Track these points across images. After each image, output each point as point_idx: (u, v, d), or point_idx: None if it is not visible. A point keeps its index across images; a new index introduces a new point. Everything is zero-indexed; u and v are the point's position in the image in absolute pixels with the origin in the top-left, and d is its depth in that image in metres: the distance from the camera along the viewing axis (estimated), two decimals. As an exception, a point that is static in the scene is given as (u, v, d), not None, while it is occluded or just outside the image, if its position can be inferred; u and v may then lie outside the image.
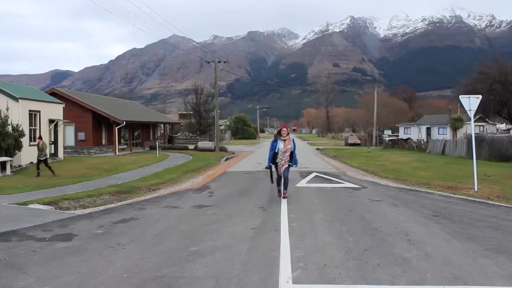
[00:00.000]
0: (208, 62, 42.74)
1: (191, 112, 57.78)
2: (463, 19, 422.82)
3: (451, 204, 10.33)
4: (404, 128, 58.92)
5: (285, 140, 10.45)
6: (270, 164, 10.83)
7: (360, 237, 6.77)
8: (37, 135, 21.41)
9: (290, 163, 10.64)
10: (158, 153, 30.30)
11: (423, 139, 45.68)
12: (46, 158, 17.40)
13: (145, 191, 13.85)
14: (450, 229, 7.39)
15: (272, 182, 11.12)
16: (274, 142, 10.64)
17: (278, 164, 10.51)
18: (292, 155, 10.62)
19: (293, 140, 10.65)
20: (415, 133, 53.29)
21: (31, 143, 20.69)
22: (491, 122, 47.55)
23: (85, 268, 5.21)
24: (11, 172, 17.45)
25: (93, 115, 30.01)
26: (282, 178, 10.58)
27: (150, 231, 7.38)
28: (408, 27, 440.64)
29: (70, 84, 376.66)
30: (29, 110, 20.75)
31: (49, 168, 17.10)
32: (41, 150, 17.13)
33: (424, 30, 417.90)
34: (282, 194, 10.60)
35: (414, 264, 5.29)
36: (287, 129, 10.79)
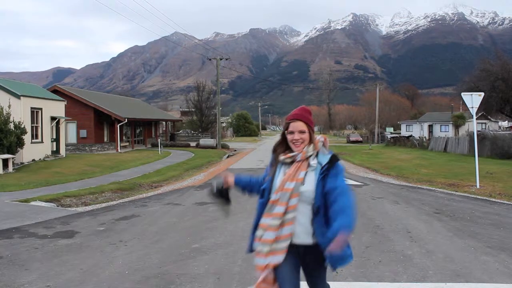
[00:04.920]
0: (210, 59, 42.68)
1: (193, 110, 57.77)
2: (465, 16, 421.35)
3: (453, 202, 10.31)
4: (406, 125, 58.78)
5: (292, 163, 2.75)
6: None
7: (361, 234, 6.76)
8: (39, 133, 21.49)
9: (333, 262, 2.64)
10: (160, 151, 30.32)
11: (425, 137, 45.58)
12: None
13: (147, 188, 13.86)
14: (452, 227, 7.38)
15: None
16: (270, 168, 2.88)
17: (257, 249, 2.75)
18: (327, 217, 2.62)
19: (329, 163, 2.68)
20: (417, 130, 53.16)
21: (33, 140, 20.73)
22: (494, 120, 47.38)
23: (86, 265, 5.23)
24: (13, 169, 17.48)
25: (95, 112, 30.03)
26: None
27: (152, 228, 7.39)
28: (410, 24, 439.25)
29: (72, 81, 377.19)
30: (31, 108, 20.77)
31: None
32: None
33: (427, 27, 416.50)
34: None
35: (416, 261, 5.29)
36: (307, 125, 2.77)
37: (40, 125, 21.54)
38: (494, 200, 10.75)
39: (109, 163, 21.46)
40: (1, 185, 13.00)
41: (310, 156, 2.70)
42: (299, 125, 2.74)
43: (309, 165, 2.69)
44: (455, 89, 52.01)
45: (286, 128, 2.79)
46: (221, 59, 39.89)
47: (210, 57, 43.58)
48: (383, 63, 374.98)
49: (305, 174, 2.65)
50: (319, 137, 2.78)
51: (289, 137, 2.76)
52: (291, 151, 2.76)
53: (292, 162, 2.72)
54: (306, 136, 2.72)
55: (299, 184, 2.63)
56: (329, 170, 2.64)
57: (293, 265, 2.69)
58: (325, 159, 2.69)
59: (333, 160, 2.68)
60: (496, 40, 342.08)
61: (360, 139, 57.07)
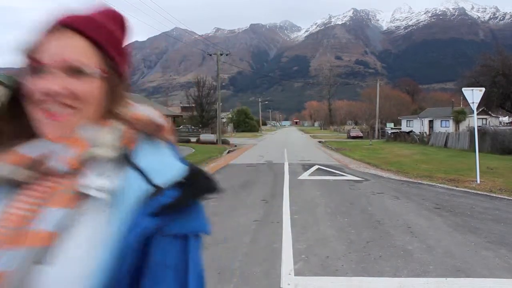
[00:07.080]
0: (210, 55, 42.59)
1: (193, 105, 57.78)
2: (466, 11, 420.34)
3: (453, 197, 10.32)
4: (407, 120, 58.77)
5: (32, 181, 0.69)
6: None
7: (362, 229, 6.77)
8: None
9: None
10: (160, 146, 30.32)
11: (425, 132, 45.56)
12: None
13: (148, 184, 13.87)
14: (452, 222, 7.39)
15: None
16: None
17: None
18: None
19: (180, 192, 0.70)
20: (418, 126, 53.13)
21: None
22: (494, 115, 47.29)
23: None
24: (14, 165, 17.50)
25: (95, 108, 30.04)
26: None
27: (153, 224, 7.39)
28: (411, 20, 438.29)
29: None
30: (31, 103, 20.78)
31: None
32: None
33: (427, 22, 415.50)
34: None
35: (416, 256, 5.30)
36: (102, 52, 0.72)
37: (40, 120, 21.54)
38: (494, 195, 10.76)
39: (110, 158, 21.42)
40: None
41: (95, 162, 0.70)
42: (70, 46, 0.71)
43: (82, 195, 0.66)
44: (456, 85, 51.93)
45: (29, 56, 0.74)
46: (221, 55, 39.79)
47: (210, 52, 43.49)
48: (383, 59, 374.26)
49: (63, 222, 0.64)
50: (148, 112, 0.81)
51: (32, 86, 0.70)
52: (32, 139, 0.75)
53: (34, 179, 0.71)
54: (89, 88, 0.71)
55: (36, 254, 0.62)
56: (171, 215, 0.70)
57: None
58: (164, 171, 0.73)
59: (190, 186, 0.74)
60: (497, 35, 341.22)
61: (361, 134, 57.07)
